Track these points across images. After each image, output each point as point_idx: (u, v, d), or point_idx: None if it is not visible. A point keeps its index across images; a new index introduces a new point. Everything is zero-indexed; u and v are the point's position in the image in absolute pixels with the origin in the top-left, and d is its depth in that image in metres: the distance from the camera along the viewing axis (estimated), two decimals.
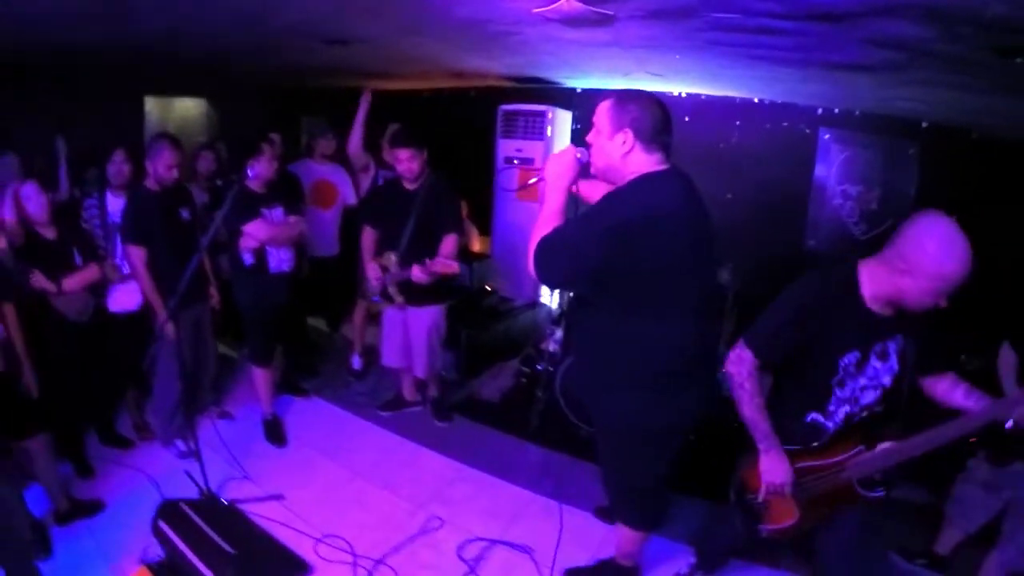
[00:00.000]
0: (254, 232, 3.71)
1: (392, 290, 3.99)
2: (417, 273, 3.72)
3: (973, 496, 2.96)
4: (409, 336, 4.25)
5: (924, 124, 5.10)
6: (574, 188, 2.24)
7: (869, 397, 2.10)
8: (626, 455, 2.46)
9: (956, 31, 2.33)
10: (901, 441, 2.02)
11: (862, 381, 2.08)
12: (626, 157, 2.10)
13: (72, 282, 3.28)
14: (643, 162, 2.10)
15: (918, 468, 2.48)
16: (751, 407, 2.14)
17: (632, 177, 2.10)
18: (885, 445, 2.04)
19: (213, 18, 3.50)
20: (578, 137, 6.59)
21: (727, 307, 4.39)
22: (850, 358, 2.04)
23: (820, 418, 2.15)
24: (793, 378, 2.23)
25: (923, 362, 2.11)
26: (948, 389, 2.10)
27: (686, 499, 3.56)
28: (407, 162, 3.82)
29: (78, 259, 3.38)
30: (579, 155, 2.19)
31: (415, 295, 4.00)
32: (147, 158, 3.56)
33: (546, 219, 2.16)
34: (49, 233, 3.29)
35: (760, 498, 2.23)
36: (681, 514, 3.45)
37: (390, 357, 4.37)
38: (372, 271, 4.02)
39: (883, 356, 2.05)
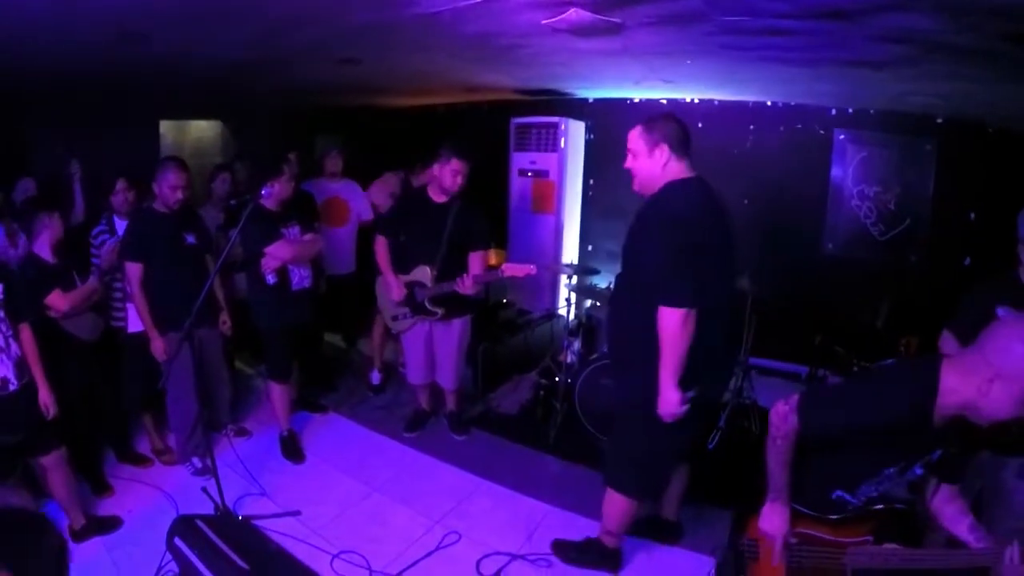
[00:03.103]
0: (278, 253, 3.75)
1: (429, 305, 3.99)
2: (468, 284, 3.80)
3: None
4: (435, 350, 4.23)
5: (939, 120, 5.06)
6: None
7: (898, 490, 2.04)
8: (635, 429, 2.72)
9: (965, 20, 2.30)
10: (905, 548, 1.93)
11: (900, 481, 2.01)
12: (665, 167, 2.53)
13: (73, 298, 3.31)
14: (677, 170, 2.53)
15: None
16: (776, 462, 2.03)
17: (667, 182, 2.52)
18: (890, 546, 1.95)
19: (225, 40, 3.56)
20: (593, 147, 6.59)
21: (747, 313, 4.32)
22: (893, 469, 1.96)
23: (847, 496, 2.06)
24: (828, 458, 2.07)
25: (950, 471, 1.99)
26: (954, 516, 1.98)
27: (708, 508, 3.49)
28: (459, 176, 3.84)
29: (78, 282, 3.40)
30: None
31: (451, 308, 4.02)
32: (154, 180, 3.60)
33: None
34: (50, 257, 3.32)
35: (756, 545, 2.13)
36: (703, 523, 3.39)
37: (416, 374, 4.34)
38: (398, 288, 4.00)
39: (926, 464, 1.96)
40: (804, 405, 1.98)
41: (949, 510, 2.01)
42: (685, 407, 2.48)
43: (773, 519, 2.05)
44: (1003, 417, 1.72)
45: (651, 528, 3.33)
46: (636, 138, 2.60)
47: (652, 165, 2.56)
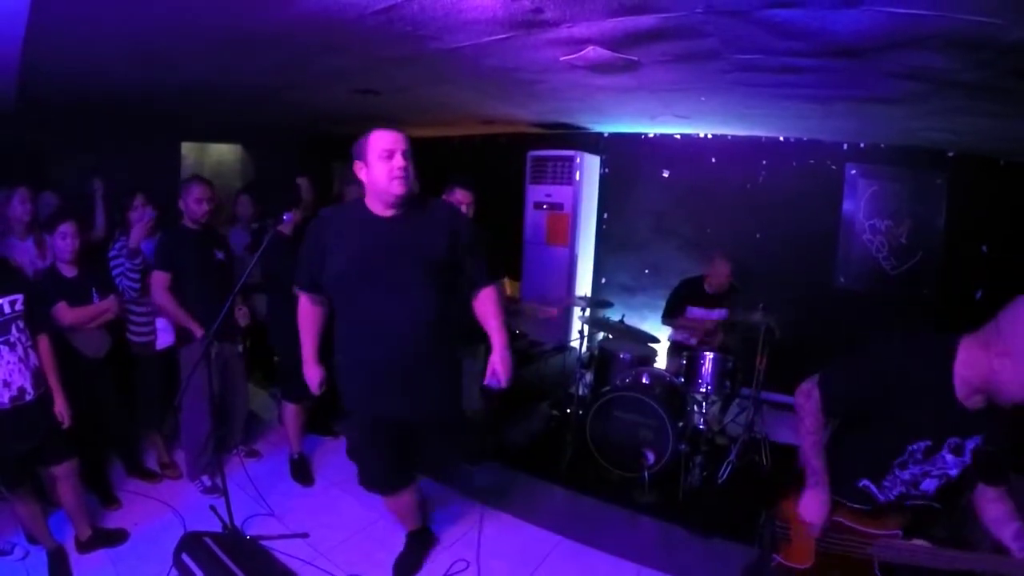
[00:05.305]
0: None
1: None
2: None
3: None
4: (492, 384, 4.23)
5: (950, 154, 5.10)
6: None
7: (931, 485, 1.97)
8: (458, 416, 3.06)
9: (977, 58, 2.34)
10: (935, 546, 1.91)
11: (927, 468, 1.94)
12: None
13: (79, 314, 3.34)
14: None
15: None
16: (807, 442, 2.06)
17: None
18: (919, 542, 1.93)
19: (248, 68, 3.66)
20: (607, 181, 6.67)
21: (759, 347, 4.32)
22: (919, 445, 1.90)
23: (873, 488, 2.04)
24: (856, 439, 2.10)
25: (988, 467, 1.91)
26: (999, 520, 1.90)
27: (719, 542, 3.47)
28: (464, 207, 3.91)
29: (96, 298, 3.44)
30: None
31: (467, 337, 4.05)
32: (180, 198, 3.69)
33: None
34: (69, 271, 3.37)
35: (790, 526, 2.15)
36: (715, 557, 3.36)
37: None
38: None
39: (958, 451, 1.88)
40: (825, 372, 2.04)
41: (992, 511, 1.94)
42: None
43: (812, 506, 2.03)
44: (1019, 399, 1.68)
45: None
46: (362, 148, 2.56)
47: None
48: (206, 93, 4.46)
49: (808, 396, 2.05)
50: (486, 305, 2.75)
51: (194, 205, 3.65)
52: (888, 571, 1.96)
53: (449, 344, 2.76)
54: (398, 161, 2.45)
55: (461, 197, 3.91)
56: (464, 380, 4.24)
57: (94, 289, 3.46)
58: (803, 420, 2.06)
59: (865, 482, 2.04)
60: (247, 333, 4.15)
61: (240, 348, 4.08)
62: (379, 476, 2.94)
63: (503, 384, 2.71)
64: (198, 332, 3.61)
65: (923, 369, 1.85)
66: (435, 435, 2.91)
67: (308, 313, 2.80)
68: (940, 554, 1.87)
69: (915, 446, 1.91)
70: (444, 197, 3.98)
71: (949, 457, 1.89)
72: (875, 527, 2.01)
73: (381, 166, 2.47)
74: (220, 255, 3.84)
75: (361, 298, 2.55)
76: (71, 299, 3.32)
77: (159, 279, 3.60)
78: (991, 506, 1.95)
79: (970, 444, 1.87)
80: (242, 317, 4.01)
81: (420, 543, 3.29)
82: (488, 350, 2.77)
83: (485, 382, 2.72)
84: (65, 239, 3.30)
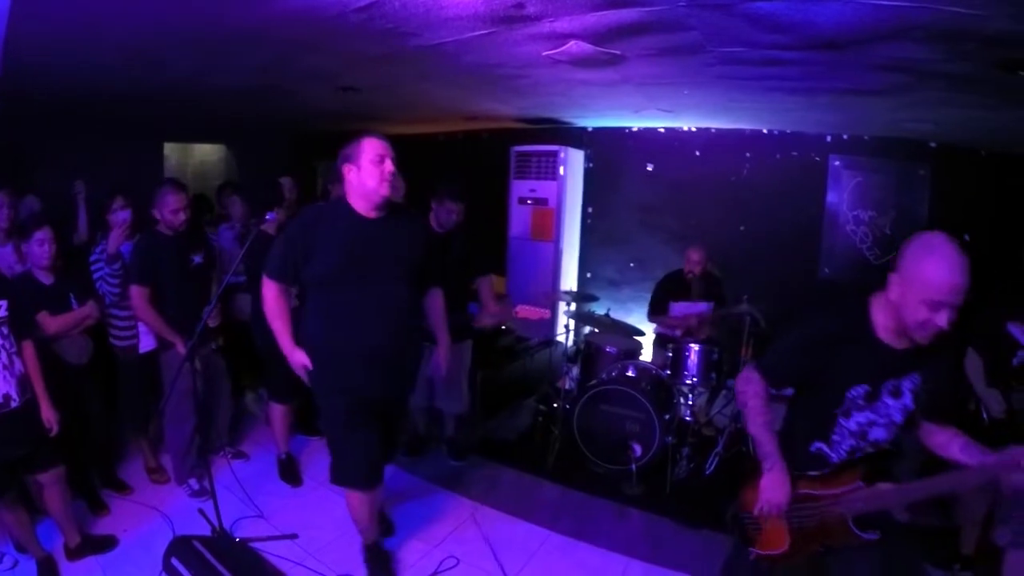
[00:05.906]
0: None
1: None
2: (492, 311, 4.14)
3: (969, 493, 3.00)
4: (436, 374, 4.23)
5: (933, 145, 5.16)
6: None
7: (879, 433, 2.03)
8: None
9: (960, 50, 2.36)
10: (899, 485, 1.98)
11: (871, 416, 2.01)
12: None
13: (61, 321, 3.28)
14: None
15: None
16: (755, 425, 2.12)
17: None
18: (883, 485, 1.99)
19: (230, 66, 3.62)
20: (592, 176, 6.68)
21: (744, 337, 4.34)
22: (858, 391, 1.98)
23: (825, 448, 2.09)
24: (802, 407, 2.21)
25: (928, 406, 2.02)
26: (945, 442, 2.01)
27: (708, 533, 3.49)
28: (454, 215, 3.95)
29: (74, 304, 3.37)
30: None
31: (456, 334, 4.01)
32: (154, 206, 3.59)
33: None
34: (46, 278, 3.30)
35: (755, 516, 2.17)
36: (704, 548, 3.38)
37: (416, 398, 4.33)
38: None
39: (896, 393, 1.97)
40: (760, 356, 2.22)
41: (937, 437, 2.04)
42: None
43: (773, 487, 2.07)
44: (922, 322, 1.79)
45: None
46: (354, 152, 2.75)
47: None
48: (189, 91, 4.41)
49: (748, 381, 2.14)
50: (436, 304, 3.24)
51: (170, 216, 3.55)
52: (864, 523, 2.01)
53: (416, 331, 3.03)
54: (388, 166, 2.68)
55: (451, 207, 3.93)
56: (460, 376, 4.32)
57: (72, 295, 3.38)
58: (747, 405, 2.14)
59: (817, 444, 2.10)
60: (219, 331, 4.10)
61: (214, 345, 4.02)
62: (360, 464, 2.88)
63: (444, 373, 3.49)
64: (181, 347, 3.54)
65: (844, 321, 2.01)
66: (396, 411, 3.19)
67: (278, 302, 2.89)
68: (906, 489, 1.97)
69: (853, 392, 1.98)
70: (434, 205, 3.99)
71: (890, 401, 1.98)
72: (835, 487, 2.05)
73: (372, 169, 2.68)
74: (198, 259, 3.76)
75: (350, 290, 2.73)
76: (50, 307, 3.25)
77: (138, 293, 3.51)
78: (935, 435, 2.06)
79: (907, 384, 1.97)
80: (212, 319, 3.96)
81: (382, 564, 3.15)
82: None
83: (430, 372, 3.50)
84: (42, 245, 3.21)
